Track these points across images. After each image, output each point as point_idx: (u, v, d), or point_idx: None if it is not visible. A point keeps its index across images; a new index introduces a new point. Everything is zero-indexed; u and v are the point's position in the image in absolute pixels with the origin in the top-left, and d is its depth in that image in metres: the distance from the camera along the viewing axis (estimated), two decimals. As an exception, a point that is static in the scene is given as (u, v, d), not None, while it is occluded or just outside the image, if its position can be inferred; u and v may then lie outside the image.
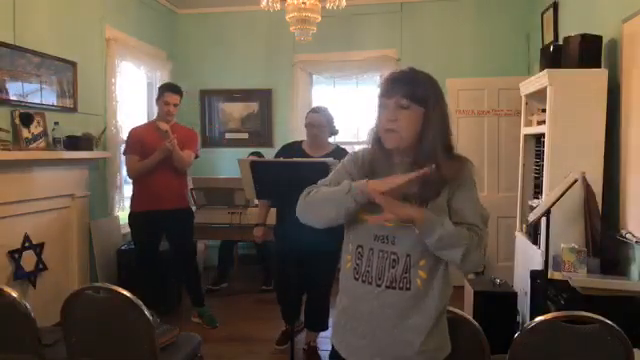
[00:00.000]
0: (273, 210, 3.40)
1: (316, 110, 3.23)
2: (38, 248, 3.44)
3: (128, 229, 4.59)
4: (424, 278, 1.40)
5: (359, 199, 1.37)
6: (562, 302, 2.55)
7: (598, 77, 2.94)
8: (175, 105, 3.70)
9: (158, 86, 3.87)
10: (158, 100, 3.71)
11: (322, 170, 1.93)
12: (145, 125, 3.87)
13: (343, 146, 3.32)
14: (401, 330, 1.41)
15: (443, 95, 1.45)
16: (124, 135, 4.50)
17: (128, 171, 3.76)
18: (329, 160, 2.43)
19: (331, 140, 3.28)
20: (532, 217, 2.93)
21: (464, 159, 1.46)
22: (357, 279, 1.45)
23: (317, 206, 1.47)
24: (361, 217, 1.45)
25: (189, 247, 3.87)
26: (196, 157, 3.83)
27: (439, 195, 1.40)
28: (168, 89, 3.73)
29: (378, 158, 1.47)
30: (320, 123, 3.12)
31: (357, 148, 1.60)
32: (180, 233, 3.75)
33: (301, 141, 3.28)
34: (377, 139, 1.47)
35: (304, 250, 2.84)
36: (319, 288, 3.14)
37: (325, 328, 3.26)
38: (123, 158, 4.42)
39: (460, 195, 1.42)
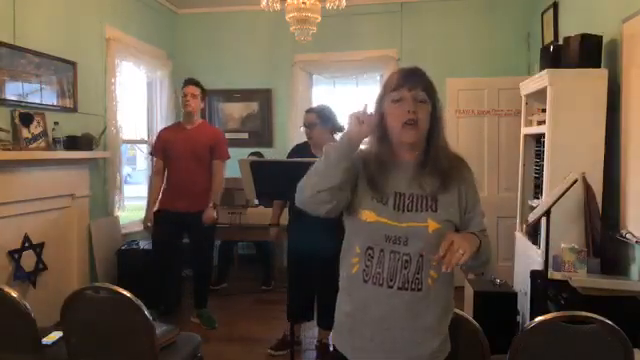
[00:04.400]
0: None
1: (309, 110, 3.27)
2: (38, 248, 3.44)
3: (128, 229, 4.62)
4: (435, 277, 1.40)
5: (351, 135, 1.36)
6: (562, 302, 2.55)
7: (598, 77, 2.94)
8: (193, 96, 3.72)
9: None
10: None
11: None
12: (172, 126, 3.99)
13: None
14: (412, 331, 1.40)
15: None
16: (124, 135, 4.53)
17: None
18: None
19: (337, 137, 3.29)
20: (532, 217, 2.93)
21: (462, 159, 1.51)
22: (367, 281, 1.42)
23: (309, 177, 1.42)
24: (366, 218, 1.43)
25: (209, 248, 3.88)
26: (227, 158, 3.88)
27: (448, 190, 1.42)
28: (186, 82, 3.80)
29: (383, 156, 1.46)
30: (311, 122, 3.14)
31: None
32: (201, 234, 3.75)
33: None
34: (383, 136, 1.46)
35: (315, 250, 2.84)
36: (328, 285, 3.11)
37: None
38: (123, 158, 4.48)
39: (470, 199, 1.47)
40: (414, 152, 1.46)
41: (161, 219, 3.73)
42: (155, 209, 3.80)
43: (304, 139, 3.32)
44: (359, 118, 1.35)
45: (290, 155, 3.27)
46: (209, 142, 3.73)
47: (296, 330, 3.23)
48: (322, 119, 3.14)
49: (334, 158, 1.37)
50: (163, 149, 3.74)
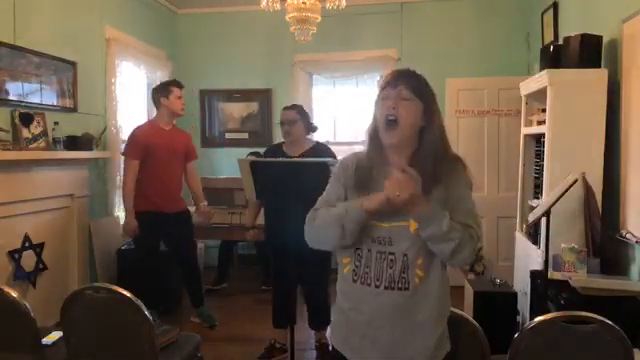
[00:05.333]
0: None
1: (288, 107, 3.24)
2: (38, 248, 3.44)
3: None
4: (421, 276, 1.41)
5: (356, 220, 1.39)
6: (562, 302, 2.55)
7: (598, 77, 2.94)
8: (183, 99, 3.75)
9: (161, 83, 3.92)
10: (166, 96, 3.65)
11: (321, 170, 1.93)
12: (148, 126, 3.76)
13: (343, 147, 3.30)
14: (402, 329, 1.41)
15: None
16: (124, 135, 4.50)
17: (124, 177, 3.64)
18: (329, 160, 2.43)
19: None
20: (532, 217, 2.93)
21: (458, 158, 1.49)
22: (356, 281, 1.45)
23: (322, 232, 1.48)
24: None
25: (191, 247, 3.88)
26: None
27: (430, 192, 1.40)
28: (176, 84, 3.75)
29: (373, 158, 1.48)
30: (291, 119, 3.10)
31: (357, 148, 1.61)
32: (182, 234, 3.75)
33: (283, 142, 3.24)
34: (374, 137, 1.48)
35: (297, 249, 2.83)
36: (316, 286, 3.11)
37: (328, 323, 3.24)
38: (123, 158, 4.43)
39: (455, 193, 1.43)
40: (403, 153, 1.45)
41: (147, 222, 3.59)
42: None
43: None
44: (396, 189, 1.33)
45: (264, 156, 3.26)
46: (185, 143, 3.83)
47: (283, 336, 3.18)
48: (302, 116, 3.13)
49: (351, 229, 1.41)
50: (145, 150, 3.58)
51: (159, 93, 3.70)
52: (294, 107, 3.21)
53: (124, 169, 3.69)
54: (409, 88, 1.42)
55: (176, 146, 3.71)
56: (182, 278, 3.90)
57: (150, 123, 3.83)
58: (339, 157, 1.97)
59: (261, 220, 3.40)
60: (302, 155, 3.06)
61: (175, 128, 3.82)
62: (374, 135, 1.48)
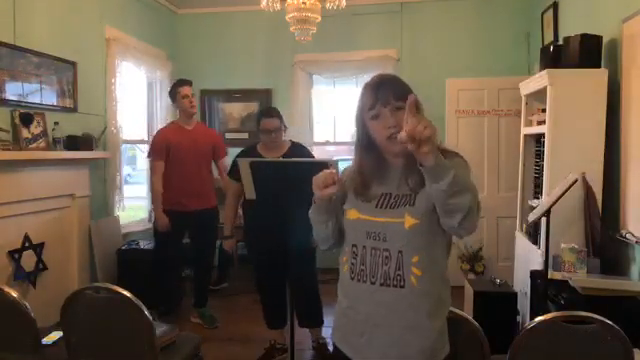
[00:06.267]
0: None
1: (270, 114, 3.11)
2: (38, 248, 3.44)
3: (128, 229, 4.61)
4: (419, 275, 1.39)
5: (317, 199, 1.47)
6: (562, 302, 2.55)
7: (598, 77, 2.94)
8: (194, 96, 3.82)
9: (170, 88, 3.98)
10: (174, 98, 3.80)
11: (321, 170, 1.93)
12: (170, 127, 3.88)
13: (343, 147, 3.29)
14: (399, 328, 1.40)
15: None
16: (124, 135, 4.52)
17: (150, 178, 3.82)
18: (329, 160, 2.42)
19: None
20: (532, 217, 2.93)
21: (455, 152, 1.46)
22: (353, 278, 1.45)
23: (315, 232, 1.58)
24: (349, 216, 1.47)
25: (211, 246, 3.93)
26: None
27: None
28: (180, 83, 3.81)
29: (368, 164, 1.48)
30: (277, 127, 3.04)
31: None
32: (205, 232, 3.80)
33: (256, 144, 3.18)
34: (369, 148, 1.47)
35: (283, 249, 2.84)
36: (304, 285, 3.07)
37: (320, 322, 3.24)
38: (123, 158, 4.46)
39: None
40: (398, 157, 1.44)
41: (171, 220, 3.68)
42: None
43: (302, 138, 3.29)
44: (319, 185, 1.42)
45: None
46: (211, 142, 3.89)
47: (283, 336, 3.21)
48: (281, 120, 3.10)
49: (318, 221, 1.53)
50: (167, 150, 3.69)
51: (170, 96, 3.87)
52: (274, 114, 3.11)
53: (150, 171, 3.84)
54: (398, 97, 1.38)
55: (200, 144, 3.77)
56: (194, 275, 3.96)
57: (172, 123, 3.95)
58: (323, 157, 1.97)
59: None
60: (283, 157, 3.03)
61: (200, 126, 3.93)
62: (369, 147, 1.46)
